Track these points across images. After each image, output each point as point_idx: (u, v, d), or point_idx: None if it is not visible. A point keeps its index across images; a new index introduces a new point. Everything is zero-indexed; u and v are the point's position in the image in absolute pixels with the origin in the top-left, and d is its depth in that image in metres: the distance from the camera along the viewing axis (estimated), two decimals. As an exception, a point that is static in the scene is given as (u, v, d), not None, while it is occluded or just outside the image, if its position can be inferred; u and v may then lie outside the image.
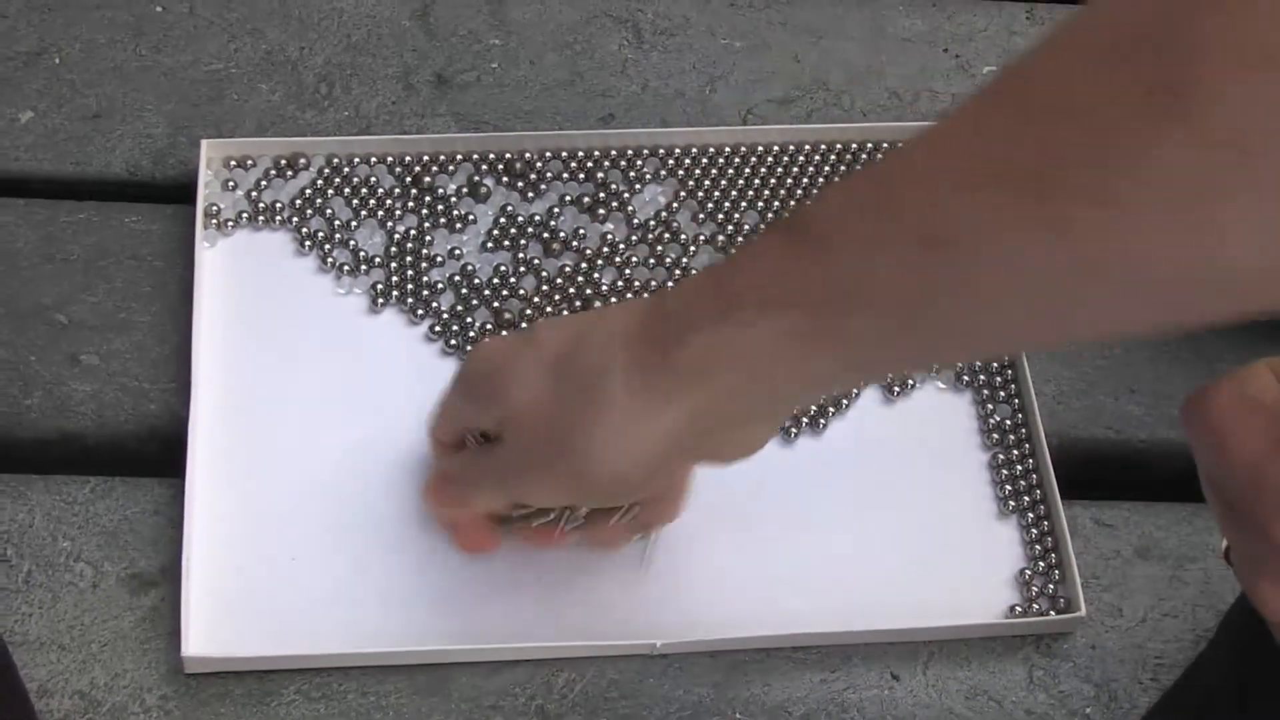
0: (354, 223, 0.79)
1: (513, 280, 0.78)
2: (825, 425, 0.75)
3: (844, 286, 0.52)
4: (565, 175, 0.81)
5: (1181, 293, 0.46)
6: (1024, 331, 0.52)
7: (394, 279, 0.78)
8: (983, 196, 0.47)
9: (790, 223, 0.55)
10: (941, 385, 0.76)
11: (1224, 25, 0.41)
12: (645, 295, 0.78)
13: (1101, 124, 0.44)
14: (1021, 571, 0.72)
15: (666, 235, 0.80)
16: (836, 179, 0.82)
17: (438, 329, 0.76)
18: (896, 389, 0.76)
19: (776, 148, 0.83)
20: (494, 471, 0.64)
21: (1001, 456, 0.75)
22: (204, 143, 0.80)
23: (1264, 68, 0.40)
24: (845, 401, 0.76)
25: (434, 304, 0.77)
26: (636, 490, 0.64)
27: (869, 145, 0.83)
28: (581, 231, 0.80)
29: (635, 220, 0.80)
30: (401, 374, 0.75)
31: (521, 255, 0.79)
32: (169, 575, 0.69)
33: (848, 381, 0.59)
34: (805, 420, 0.75)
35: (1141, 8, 0.43)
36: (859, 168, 0.82)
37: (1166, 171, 0.42)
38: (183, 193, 0.80)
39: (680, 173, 0.82)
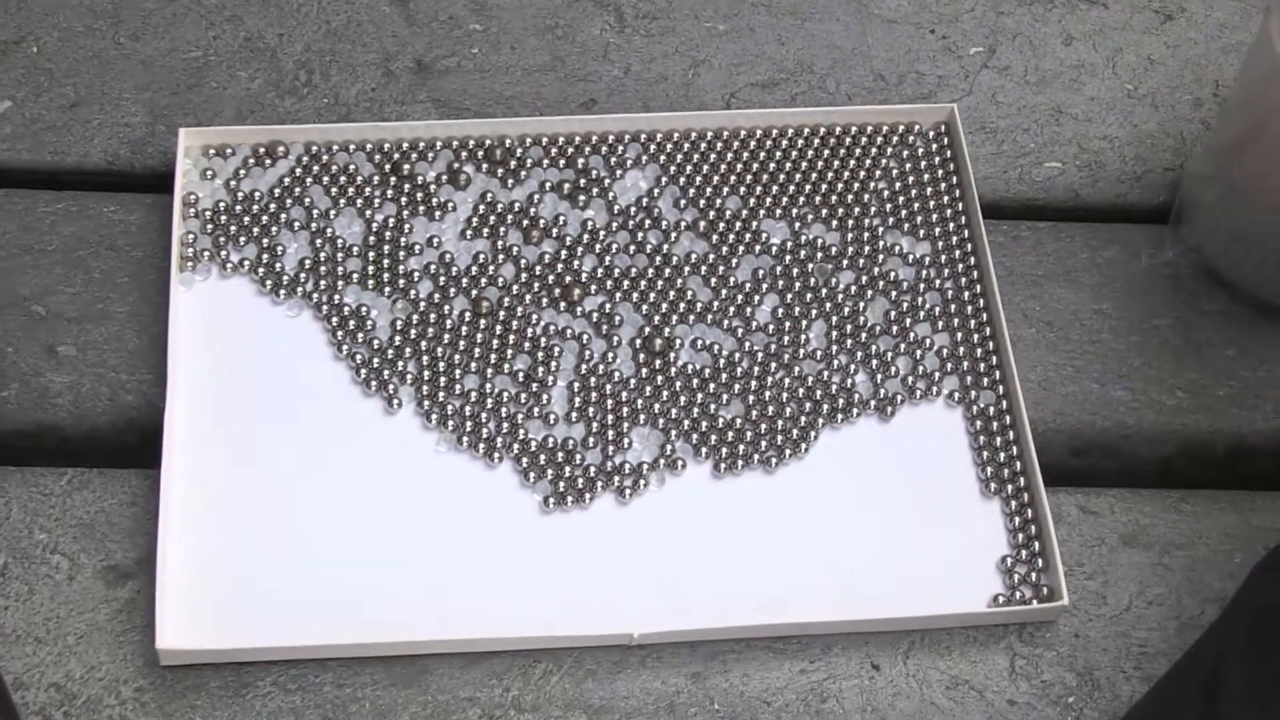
0: (332, 211, 0.79)
1: (491, 268, 0.77)
2: (815, 437, 0.74)
3: None
4: (546, 161, 0.81)
5: None
6: None
7: (372, 268, 0.77)
8: None
9: None
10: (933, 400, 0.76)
11: None
12: (588, 288, 0.77)
13: None
14: (1004, 559, 0.71)
15: (648, 221, 0.79)
16: (821, 163, 0.81)
17: (415, 318, 0.76)
18: (889, 408, 0.75)
19: (760, 132, 0.82)
20: None
21: (985, 442, 0.74)
22: (182, 131, 0.79)
23: None
24: (829, 407, 0.75)
25: (412, 293, 0.76)
26: None
27: (853, 128, 0.82)
28: (562, 218, 0.79)
29: (617, 206, 0.80)
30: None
31: (501, 243, 0.78)
32: (145, 567, 0.69)
33: None
34: (795, 430, 0.74)
35: None
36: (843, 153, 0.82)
37: None
38: (161, 182, 0.79)
39: (663, 158, 0.81)
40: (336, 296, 0.76)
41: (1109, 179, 0.84)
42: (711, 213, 0.80)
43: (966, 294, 0.78)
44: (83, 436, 0.73)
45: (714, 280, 0.78)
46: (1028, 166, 0.84)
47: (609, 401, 0.74)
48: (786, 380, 0.75)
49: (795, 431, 0.74)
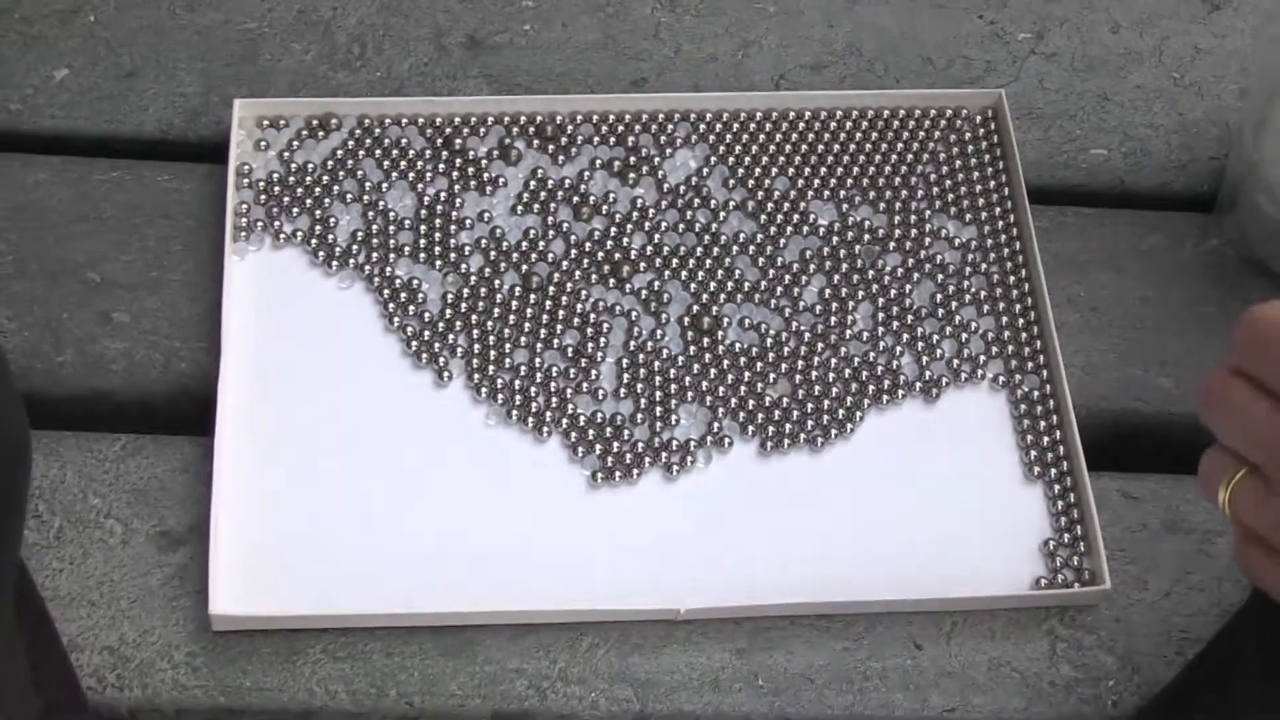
0: (384, 184, 0.79)
1: (541, 244, 0.78)
2: (861, 418, 0.75)
3: None
4: (596, 139, 0.81)
5: None
6: None
7: (423, 241, 0.78)
8: None
9: None
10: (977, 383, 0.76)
11: None
12: (637, 266, 0.77)
13: None
14: (1047, 542, 0.72)
15: (697, 200, 0.80)
16: (869, 145, 0.82)
17: (466, 292, 0.77)
18: (934, 390, 0.76)
19: (809, 113, 0.83)
20: None
21: (1029, 426, 0.74)
22: (236, 102, 0.80)
23: None
24: (875, 388, 0.76)
25: (462, 266, 0.77)
26: None
27: (901, 112, 0.83)
28: (612, 196, 0.80)
29: (666, 185, 0.80)
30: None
31: (551, 219, 0.79)
32: (197, 533, 0.70)
33: None
34: (841, 411, 0.75)
35: None
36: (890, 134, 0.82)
37: None
38: (215, 152, 0.80)
39: (712, 138, 0.82)
40: (388, 269, 0.77)
41: (1154, 166, 0.84)
42: (760, 193, 0.80)
43: (1012, 278, 0.79)
44: (136, 403, 0.74)
45: (762, 260, 0.78)
46: (1074, 153, 0.84)
47: (657, 379, 0.75)
48: (833, 361, 0.76)
49: (841, 412, 0.75)
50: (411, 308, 0.76)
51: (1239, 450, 0.51)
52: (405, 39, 0.85)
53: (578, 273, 0.77)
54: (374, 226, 0.78)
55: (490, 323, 0.76)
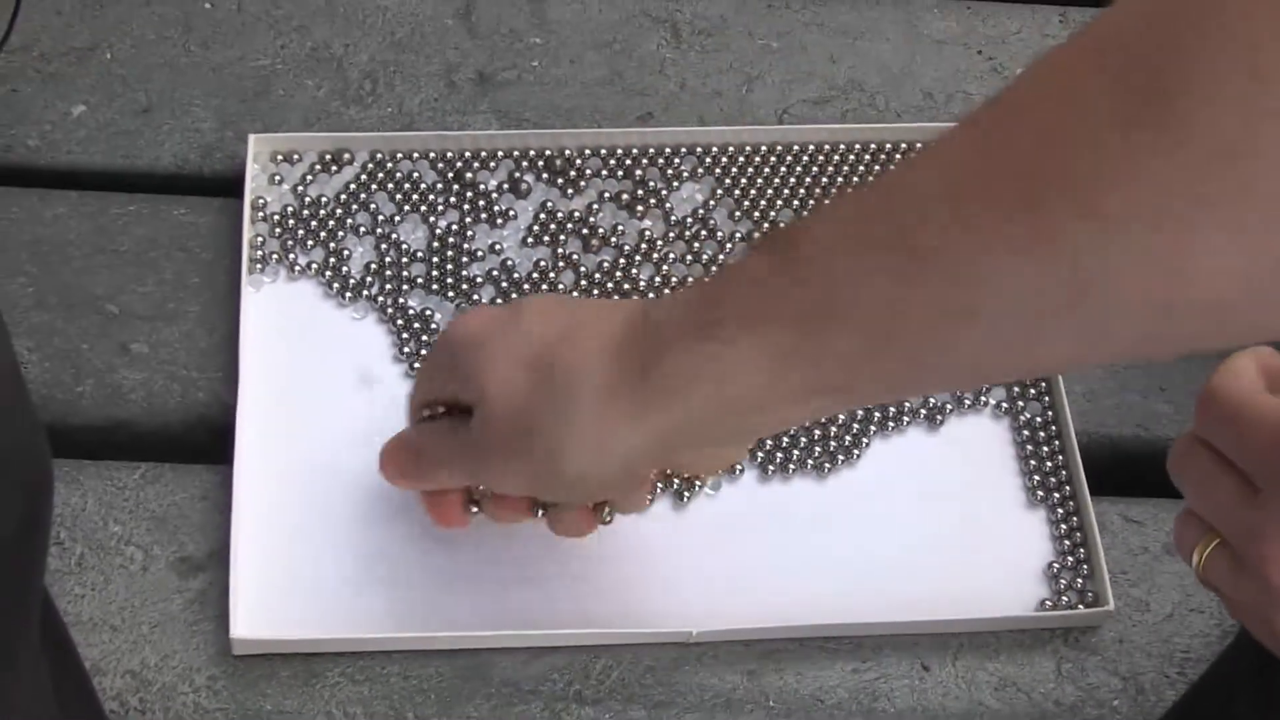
0: (397, 217, 0.81)
1: (552, 275, 0.80)
2: (867, 444, 0.76)
3: (823, 302, 0.51)
4: (604, 172, 0.83)
5: (1157, 317, 0.45)
6: (1001, 357, 0.50)
7: (435, 273, 0.79)
8: (968, 211, 0.46)
9: (775, 238, 0.54)
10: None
11: (1214, 34, 0.40)
12: (645, 295, 0.79)
13: (1091, 136, 0.43)
14: (1050, 565, 0.73)
15: (704, 233, 0.82)
16: (871, 178, 0.84)
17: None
18: (938, 417, 0.77)
19: (812, 147, 0.84)
20: (459, 452, 0.64)
21: (1032, 451, 0.76)
22: (251, 137, 0.81)
23: (1250, 79, 0.40)
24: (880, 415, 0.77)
25: (475, 297, 0.79)
26: (600, 493, 0.65)
27: (903, 145, 0.85)
28: (620, 228, 0.81)
29: (673, 217, 0.82)
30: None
31: (561, 251, 0.80)
32: (216, 559, 0.71)
33: (821, 408, 0.57)
34: (847, 438, 0.76)
35: (1133, 18, 0.43)
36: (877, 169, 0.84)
37: (1153, 182, 0.42)
38: (230, 186, 0.82)
39: (717, 171, 0.83)
40: (401, 300, 0.78)
41: (1151, 198, 0.86)
42: (765, 225, 0.82)
43: (1013, 308, 0.80)
44: (154, 432, 0.76)
45: (768, 290, 0.80)
46: (1072, 185, 0.86)
47: (666, 406, 0.76)
48: (838, 389, 0.77)
49: (848, 439, 0.76)
50: (424, 338, 0.77)
51: (1206, 519, 0.52)
52: (416, 75, 0.87)
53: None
54: (387, 258, 0.80)
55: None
